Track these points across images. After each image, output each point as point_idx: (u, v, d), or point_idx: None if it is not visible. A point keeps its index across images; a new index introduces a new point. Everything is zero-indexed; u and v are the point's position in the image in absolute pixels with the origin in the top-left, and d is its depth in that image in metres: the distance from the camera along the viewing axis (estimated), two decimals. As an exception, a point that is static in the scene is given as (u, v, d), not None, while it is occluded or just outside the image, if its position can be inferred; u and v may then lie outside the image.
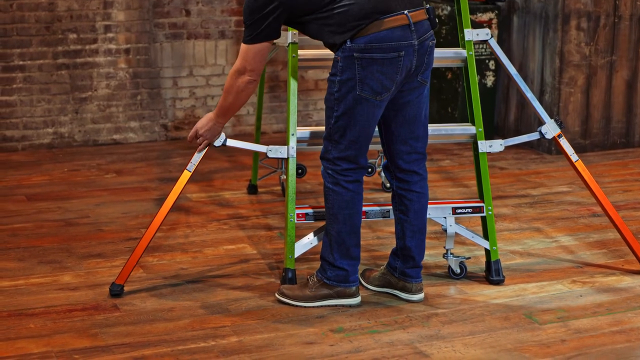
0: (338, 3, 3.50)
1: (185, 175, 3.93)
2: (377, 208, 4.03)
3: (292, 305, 3.81)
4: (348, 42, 3.51)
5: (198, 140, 3.86)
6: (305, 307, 3.80)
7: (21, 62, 6.12)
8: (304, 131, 4.05)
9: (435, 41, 3.68)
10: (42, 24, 6.11)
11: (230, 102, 3.70)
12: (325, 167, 3.72)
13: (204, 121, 3.83)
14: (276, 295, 3.87)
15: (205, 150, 3.90)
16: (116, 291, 3.88)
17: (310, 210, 3.99)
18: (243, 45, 3.60)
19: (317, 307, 3.80)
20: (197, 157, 3.91)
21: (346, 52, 3.53)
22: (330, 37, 3.55)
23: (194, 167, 3.92)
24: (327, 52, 3.96)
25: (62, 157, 6.06)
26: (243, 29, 6.50)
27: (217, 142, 3.92)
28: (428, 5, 3.65)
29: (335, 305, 3.80)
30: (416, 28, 3.56)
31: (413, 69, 3.60)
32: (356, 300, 3.82)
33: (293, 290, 3.84)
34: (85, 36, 6.22)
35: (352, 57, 3.52)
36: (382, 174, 5.34)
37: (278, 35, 3.60)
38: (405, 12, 3.53)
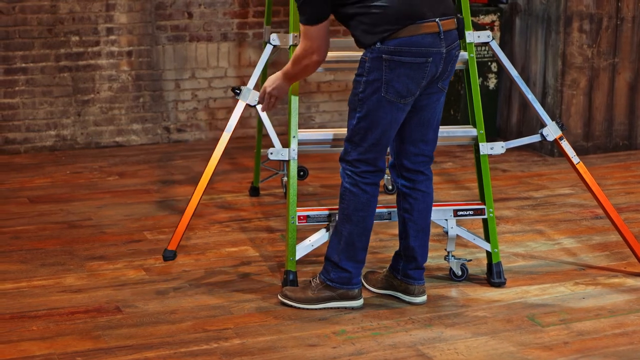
0: (375, 2, 3.50)
1: (225, 137, 4.19)
2: (380, 210, 4.03)
3: (295, 307, 3.81)
4: (378, 44, 3.52)
5: (268, 100, 3.81)
6: (307, 309, 3.80)
7: (23, 65, 6.12)
8: (306, 133, 4.05)
9: (460, 51, 3.69)
10: (44, 27, 6.12)
11: (296, 72, 3.71)
12: (344, 168, 3.71)
13: (272, 79, 3.79)
14: (279, 297, 3.87)
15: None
16: (169, 256, 4.03)
17: (311, 213, 3.99)
18: (302, 26, 3.59)
19: (320, 309, 3.79)
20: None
21: (375, 53, 3.53)
22: (362, 36, 3.56)
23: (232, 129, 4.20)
24: (329, 55, 3.95)
25: (64, 160, 6.07)
26: (247, 30, 6.57)
27: (253, 102, 4.19)
28: (459, 15, 3.65)
29: (338, 308, 3.80)
30: (445, 37, 3.57)
31: (437, 75, 3.61)
32: (359, 302, 3.82)
33: (296, 292, 3.84)
34: (87, 39, 6.22)
35: (380, 58, 3.52)
36: (386, 174, 5.34)
37: (329, 13, 3.57)
38: (437, 20, 3.54)
